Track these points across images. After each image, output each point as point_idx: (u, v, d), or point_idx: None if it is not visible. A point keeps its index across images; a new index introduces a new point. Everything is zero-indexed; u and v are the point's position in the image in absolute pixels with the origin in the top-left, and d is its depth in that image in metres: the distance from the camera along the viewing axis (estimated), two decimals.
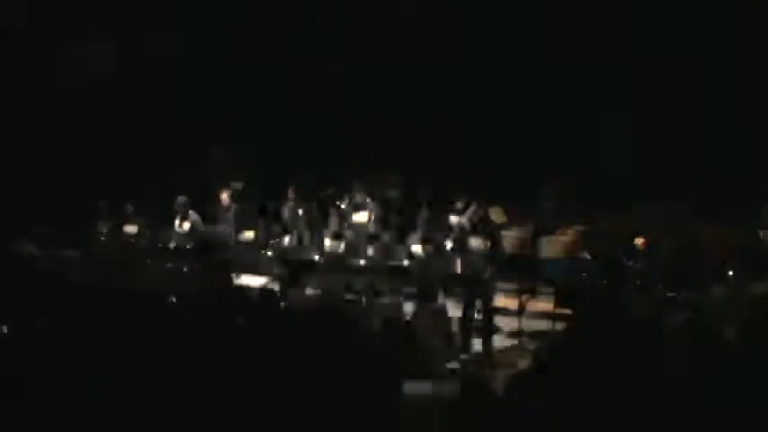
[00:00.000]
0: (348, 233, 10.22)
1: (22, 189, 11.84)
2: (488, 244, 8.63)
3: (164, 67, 14.20)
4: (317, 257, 9.55)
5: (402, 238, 10.58)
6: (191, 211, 10.67)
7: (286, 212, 11.38)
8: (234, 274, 9.39)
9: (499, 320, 9.02)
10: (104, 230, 10.75)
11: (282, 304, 8.31)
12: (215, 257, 9.73)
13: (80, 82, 13.03)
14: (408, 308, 8.66)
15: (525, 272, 9.40)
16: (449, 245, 9.62)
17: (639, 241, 9.11)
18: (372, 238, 9.83)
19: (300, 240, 10.71)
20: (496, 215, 11.17)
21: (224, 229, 10.94)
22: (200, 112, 13.98)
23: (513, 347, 8.74)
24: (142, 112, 13.75)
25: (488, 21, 14.05)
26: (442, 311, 8.63)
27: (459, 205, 10.78)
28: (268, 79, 14.45)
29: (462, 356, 8.33)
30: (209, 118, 13.99)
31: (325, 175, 12.48)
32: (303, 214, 11.30)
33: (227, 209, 11.13)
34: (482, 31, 14.07)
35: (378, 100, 14.34)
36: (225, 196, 11.21)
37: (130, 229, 10.66)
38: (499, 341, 8.81)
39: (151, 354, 5.41)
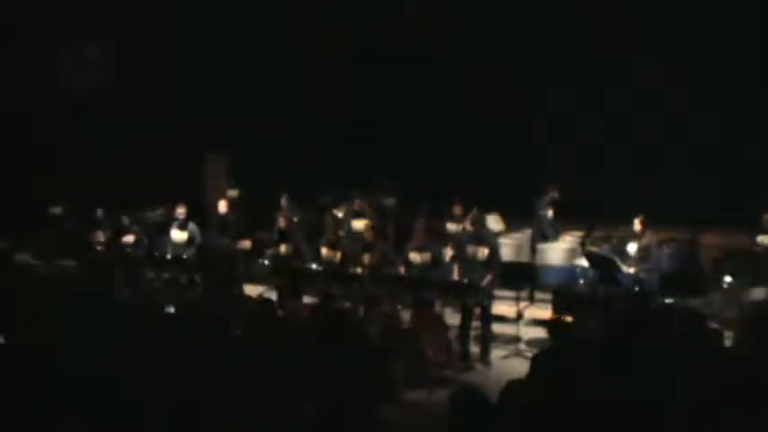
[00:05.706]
0: (345, 241, 10.18)
1: (19, 196, 11.80)
2: (486, 251, 8.61)
3: (160, 71, 14.19)
4: (314, 266, 9.50)
5: (399, 245, 10.53)
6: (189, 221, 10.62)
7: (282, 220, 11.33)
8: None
9: (497, 328, 9.00)
10: (102, 239, 10.69)
11: (280, 313, 8.28)
12: (217, 269, 9.72)
13: (79, 86, 13.02)
14: (406, 316, 8.63)
15: (523, 279, 9.38)
16: (447, 253, 9.58)
17: (634, 248, 9.12)
18: (370, 246, 9.78)
19: (297, 249, 10.66)
20: (494, 222, 11.17)
21: (223, 238, 10.89)
22: (198, 119, 13.96)
23: (511, 355, 8.71)
24: (140, 118, 13.74)
25: (488, 21, 14.07)
26: (440, 319, 8.62)
27: (458, 211, 10.79)
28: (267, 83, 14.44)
29: (460, 364, 8.31)
30: (207, 125, 13.96)
31: (322, 182, 12.47)
32: (299, 222, 11.27)
33: (225, 217, 11.09)
34: (481, 32, 14.08)
35: (377, 105, 14.34)
36: (222, 204, 11.17)
37: (128, 238, 10.61)
38: (497, 349, 8.79)
39: (149, 364, 5.40)
